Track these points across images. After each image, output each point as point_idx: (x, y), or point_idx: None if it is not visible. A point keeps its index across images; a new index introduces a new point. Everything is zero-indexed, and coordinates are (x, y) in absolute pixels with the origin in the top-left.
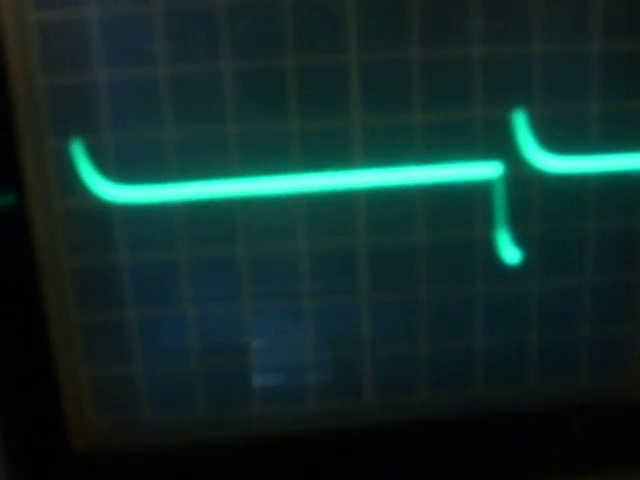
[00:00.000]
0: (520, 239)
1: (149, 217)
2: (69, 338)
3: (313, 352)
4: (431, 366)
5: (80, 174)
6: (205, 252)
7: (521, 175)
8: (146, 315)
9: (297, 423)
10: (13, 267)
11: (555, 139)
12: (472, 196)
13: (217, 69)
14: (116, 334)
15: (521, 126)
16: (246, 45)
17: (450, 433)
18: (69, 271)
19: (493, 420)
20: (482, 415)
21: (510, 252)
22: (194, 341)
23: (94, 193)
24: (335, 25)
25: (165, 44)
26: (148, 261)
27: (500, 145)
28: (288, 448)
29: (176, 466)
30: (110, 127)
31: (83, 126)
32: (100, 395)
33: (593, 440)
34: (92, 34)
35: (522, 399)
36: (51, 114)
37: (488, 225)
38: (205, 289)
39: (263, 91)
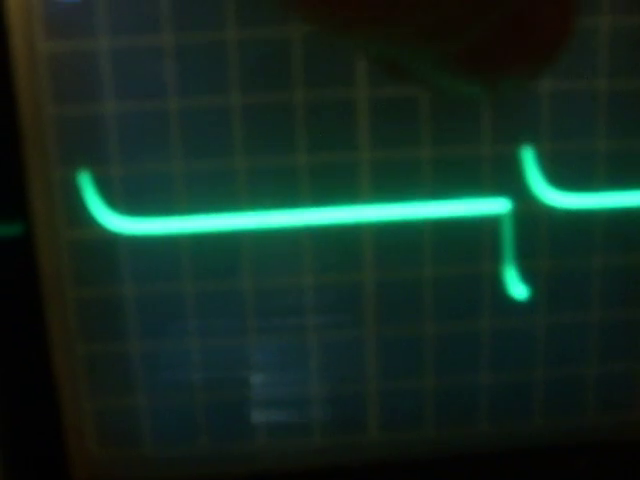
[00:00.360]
0: (527, 275)
1: (155, 249)
2: (72, 369)
3: (318, 386)
4: (436, 402)
5: (87, 205)
6: (210, 285)
7: (529, 211)
8: (150, 347)
9: (301, 458)
10: (18, 296)
11: (562, 175)
12: (480, 231)
13: (226, 102)
14: (119, 366)
15: (529, 162)
16: (255, 79)
17: (455, 469)
18: (74, 301)
19: (498, 456)
20: (487, 451)
21: (517, 288)
22: (198, 374)
23: (101, 224)
24: (344, 60)
25: (175, 77)
26: (153, 293)
27: (508, 181)
28: None
29: None
30: (118, 159)
31: (91, 157)
32: (102, 427)
33: (599, 477)
34: (102, 65)
35: (528, 435)
36: (59, 144)
37: (495, 260)
38: (210, 322)
39: (271, 125)
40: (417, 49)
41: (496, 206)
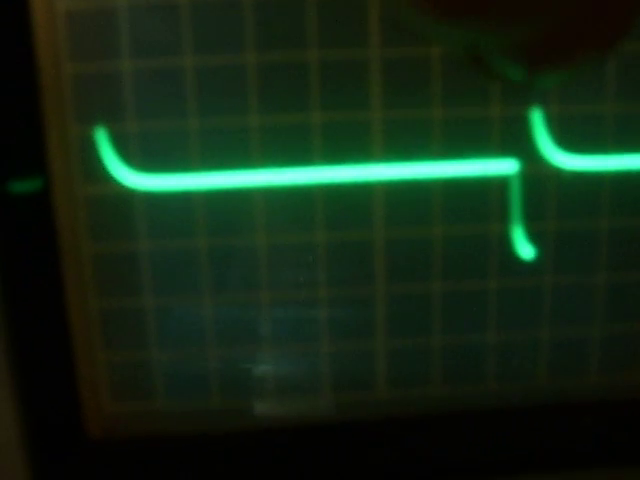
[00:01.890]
0: (534, 235)
1: (170, 205)
2: (87, 323)
3: (327, 343)
4: (444, 359)
5: (103, 161)
6: (224, 241)
7: (537, 172)
8: (164, 303)
9: (310, 414)
10: (35, 251)
11: (571, 138)
12: (488, 192)
13: (241, 61)
14: (133, 321)
15: (537, 124)
16: (270, 37)
17: (463, 427)
18: (89, 257)
19: (505, 414)
20: (494, 409)
21: (524, 248)
22: (210, 330)
23: (117, 180)
24: (357, 20)
25: (190, 35)
26: (167, 249)
27: (516, 142)
28: (302, 439)
29: (191, 454)
30: (134, 116)
31: (107, 114)
32: (116, 381)
33: (606, 436)
34: (119, 24)
35: (534, 394)
36: (77, 101)
37: (503, 221)
38: (222, 278)
39: (285, 83)
40: (503, 40)
41: (504, 167)
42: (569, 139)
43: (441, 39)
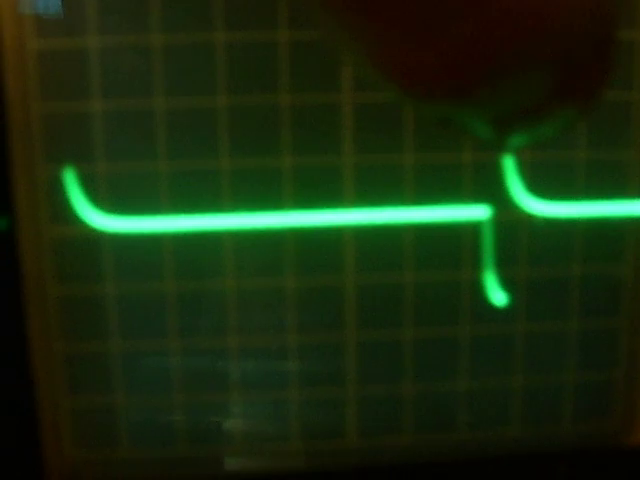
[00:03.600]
0: (507, 282)
1: (138, 248)
2: (51, 367)
3: (297, 391)
4: (415, 407)
5: (71, 202)
6: (192, 285)
7: (509, 218)
8: (130, 347)
9: (278, 462)
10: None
11: (543, 184)
12: (460, 238)
13: (212, 104)
14: (98, 365)
15: (510, 170)
16: (242, 81)
17: (433, 476)
18: (55, 299)
19: (476, 464)
20: (466, 459)
21: (497, 294)
22: (177, 375)
23: (84, 221)
24: (330, 66)
25: (161, 77)
26: (135, 292)
27: (489, 188)
28: None
29: None
30: (103, 157)
31: (76, 154)
32: (79, 427)
33: None
34: (89, 64)
35: (506, 443)
36: (45, 141)
37: (475, 267)
38: (190, 322)
39: (256, 127)
40: (476, 109)
41: (477, 213)
42: (541, 185)
43: (411, 105)
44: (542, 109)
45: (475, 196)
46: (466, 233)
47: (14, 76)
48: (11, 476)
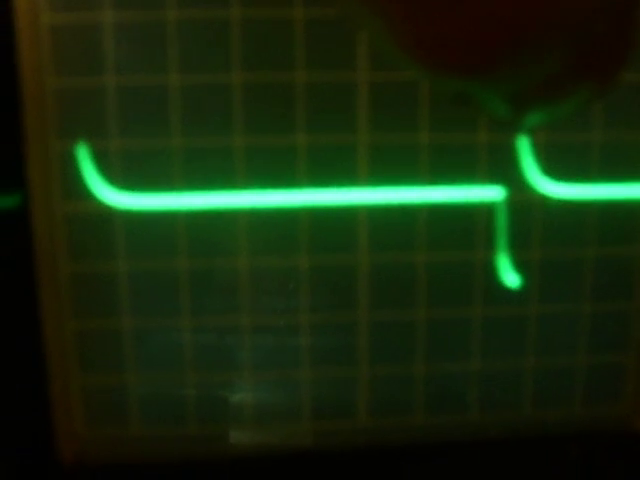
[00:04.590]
0: (520, 263)
1: (150, 224)
2: (62, 345)
3: (308, 370)
4: (426, 388)
5: (84, 178)
6: (204, 263)
7: (523, 200)
8: (142, 325)
9: (289, 442)
10: (12, 269)
11: (557, 165)
12: (474, 218)
13: (227, 80)
14: (110, 343)
15: (525, 151)
16: (257, 58)
17: (444, 457)
18: (67, 276)
19: (486, 445)
20: (476, 440)
21: (509, 276)
22: (189, 354)
23: (97, 198)
24: (346, 43)
25: (176, 53)
26: (147, 269)
27: (504, 169)
28: (280, 467)
29: None
30: (117, 133)
31: (90, 130)
32: (90, 406)
33: (588, 468)
34: (104, 39)
35: (517, 425)
36: (59, 117)
37: (489, 248)
38: (203, 301)
39: (271, 105)
40: (493, 86)
41: (491, 194)
42: (556, 167)
43: (429, 80)
44: (559, 86)
45: (489, 177)
46: (480, 214)
47: (28, 51)
48: (22, 454)
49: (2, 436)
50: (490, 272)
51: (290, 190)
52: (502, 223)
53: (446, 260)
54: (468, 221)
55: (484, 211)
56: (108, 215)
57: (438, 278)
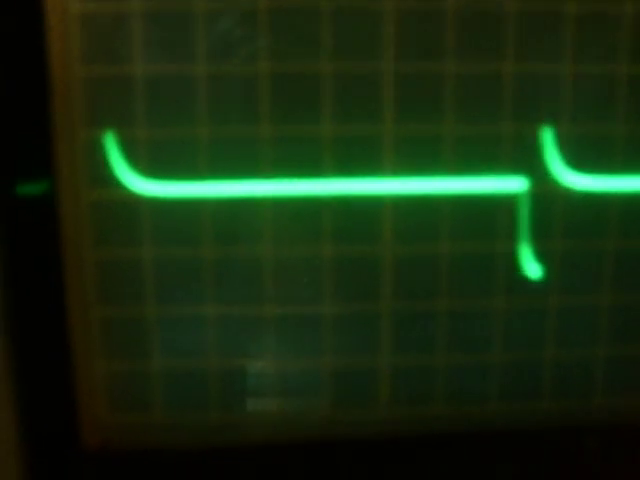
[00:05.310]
0: (542, 254)
1: (176, 212)
2: (88, 331)
3: (331, 359)
4: (447, 379)
5: (111, 166)
6: (229, 251)
7: (546, 191)
8: (166, 312)
9: (311, 430)
10: (38, 256)
11: (581, 157)
12: (497, 209)
13: (254, 70)
14: (134, 330)
15: (548, 143)
16: (284, 48)
17: (464, 447)
18: (93, 263)
19: (506, 436)
20: (496, 430)
21: (532, 267)
22: (212, 341)
23: (123, 185)
24: (372, 33)
25: (204, 43)
26: (172, 257)
27: (527, 160)
28: (300, 456)
29: (188, 468)
30: (144, 121)
31: (117, 118)
32: (114, 392)
33: (607, 459)
34: (133, 28)
35: (536, 416)
36: (87, 105)
37: (511, 239)
38: (226, 288)
39: (297, 95)
40: None
41: (514, 185)
42: (579, 159)
43: None
44: None
45: (513, 168)
46: (503, 205)
47: (56, 39)
48: (46, 440)
49: (27, 422)
50: (512, 263)
51: (315, 180)
52: (525, 214)
53: (468, 251)
54: (491, 212)
55: (507, 202)
56: (134, 203)
57: (460, 268)
